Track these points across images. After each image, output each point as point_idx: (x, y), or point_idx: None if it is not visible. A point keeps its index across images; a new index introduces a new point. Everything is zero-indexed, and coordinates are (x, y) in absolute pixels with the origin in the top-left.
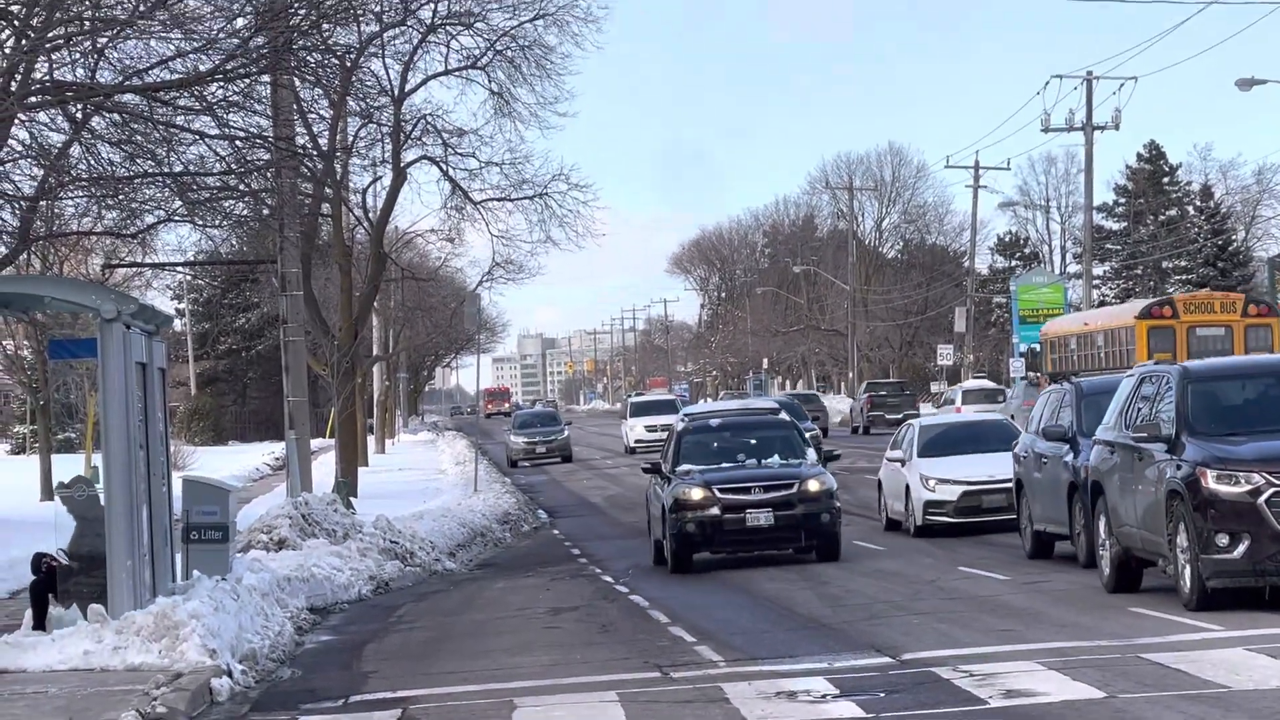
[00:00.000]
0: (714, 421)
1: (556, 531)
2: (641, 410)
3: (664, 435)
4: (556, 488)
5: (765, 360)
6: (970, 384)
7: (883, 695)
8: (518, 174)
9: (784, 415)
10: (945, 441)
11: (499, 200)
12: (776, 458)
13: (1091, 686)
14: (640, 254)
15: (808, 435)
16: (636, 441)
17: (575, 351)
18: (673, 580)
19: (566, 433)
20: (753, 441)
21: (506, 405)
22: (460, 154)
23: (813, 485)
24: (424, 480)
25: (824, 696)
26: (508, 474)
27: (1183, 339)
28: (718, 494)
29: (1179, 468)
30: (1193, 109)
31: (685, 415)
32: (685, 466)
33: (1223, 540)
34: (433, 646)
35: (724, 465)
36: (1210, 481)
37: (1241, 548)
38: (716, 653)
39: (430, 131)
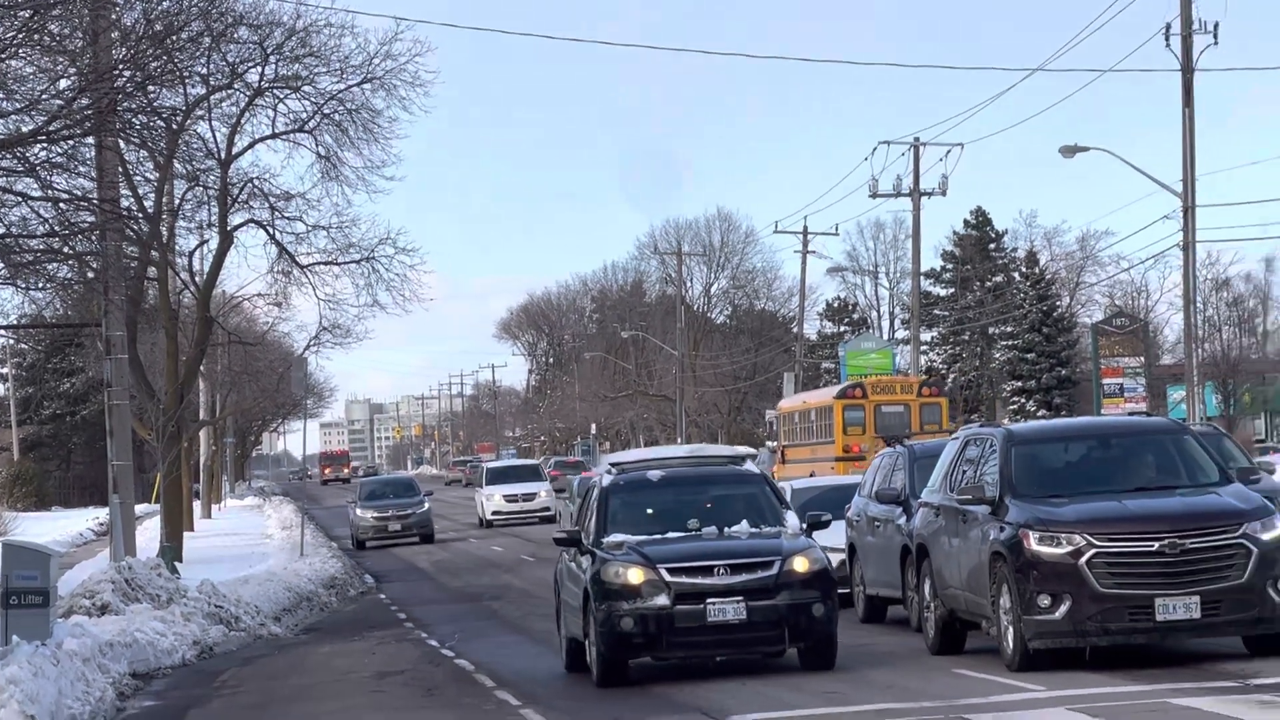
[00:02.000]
0: (654, 474)
1: (383, 596)
2: (500, 477)
3: (526, 506)
4: (384, 553)
5: (594, 425)
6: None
7: None
8: (345, 238)
9: (751, 466)
10: None
11: (326, 264)
12: (745, 524)
13: None
14: (471, 319)
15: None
16: (494, 514)
17: (403, 416)
18: (498, 644)
19: (427, 505)
20: (709, 503)
21: (346, 470)
22: (287, 217)
23: (800, 564)
24: (250, 545)
25: None
26: (335, 539)
27: (870, 415)
28: (666, 576)
29: (1002, 530)
30: (1018, 176)
31: (613, 465)
32: (616, 536)
33: (1045, 601)
34: (256, 712)
35: (672, 535)
36: (1033, 543)
37: (1063, 608)
38: (541, 715)
39: (257, 195)
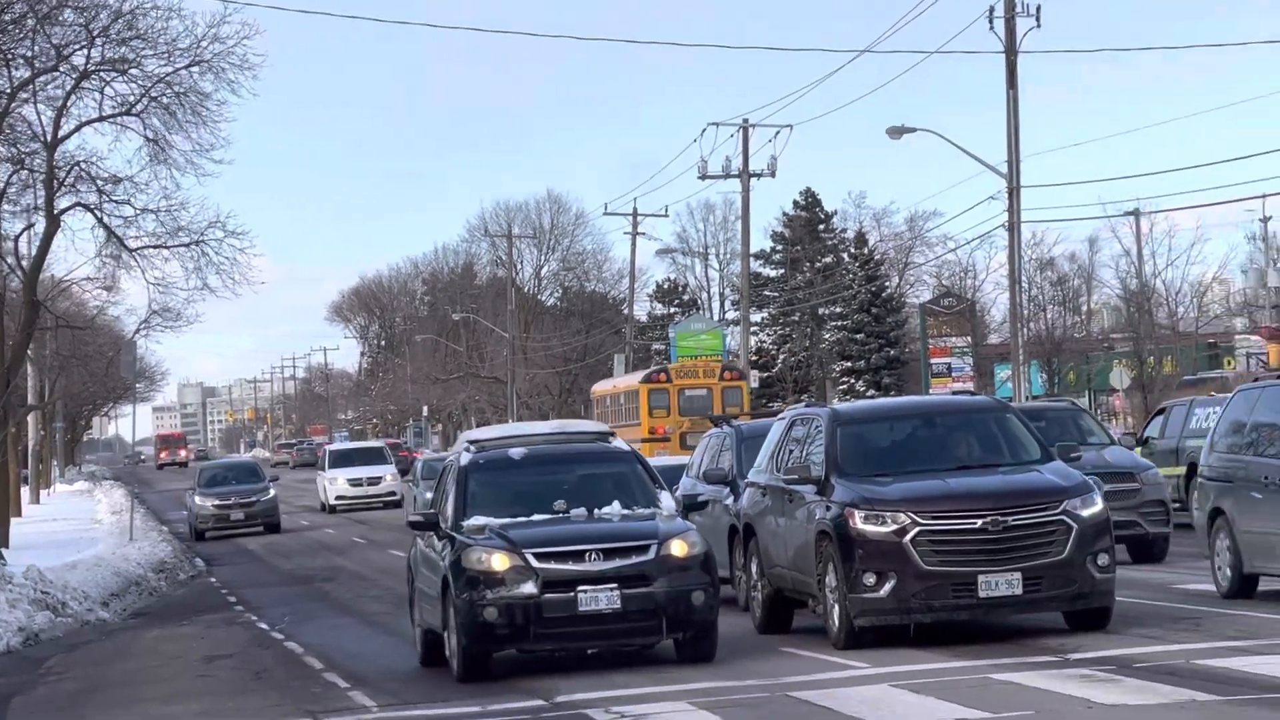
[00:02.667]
0: (516, 452)
1: (214, 580)
2: (343, 460)
3: (371, 491)
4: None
5: (425, 408)
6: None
7: None
8: (174, 221)
9: (620, 442)
10: None
11: (155, 248)
12: (617, 505)
13: None
14: (303, 302)
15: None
16: (337, 499)
17: (236, 400)
18: (328, 626)
19: (273, 492)
20: (577, 482)
21: (184, 454)
22: (115, 201)
23: (678, 548)
24: (79, 530)
25: None
26: (166, 523)
27: (674, 398)
28: (533, 562)
29: (828, 509)
30: (847, 157)
31: (471, 442)
32: (478, 519)
33: (870, 579)
34: (82, 697)
35: (538, 518)
36: (858, 522)
37: (888, 586)
38: (370, 698)
39: (85, 178)
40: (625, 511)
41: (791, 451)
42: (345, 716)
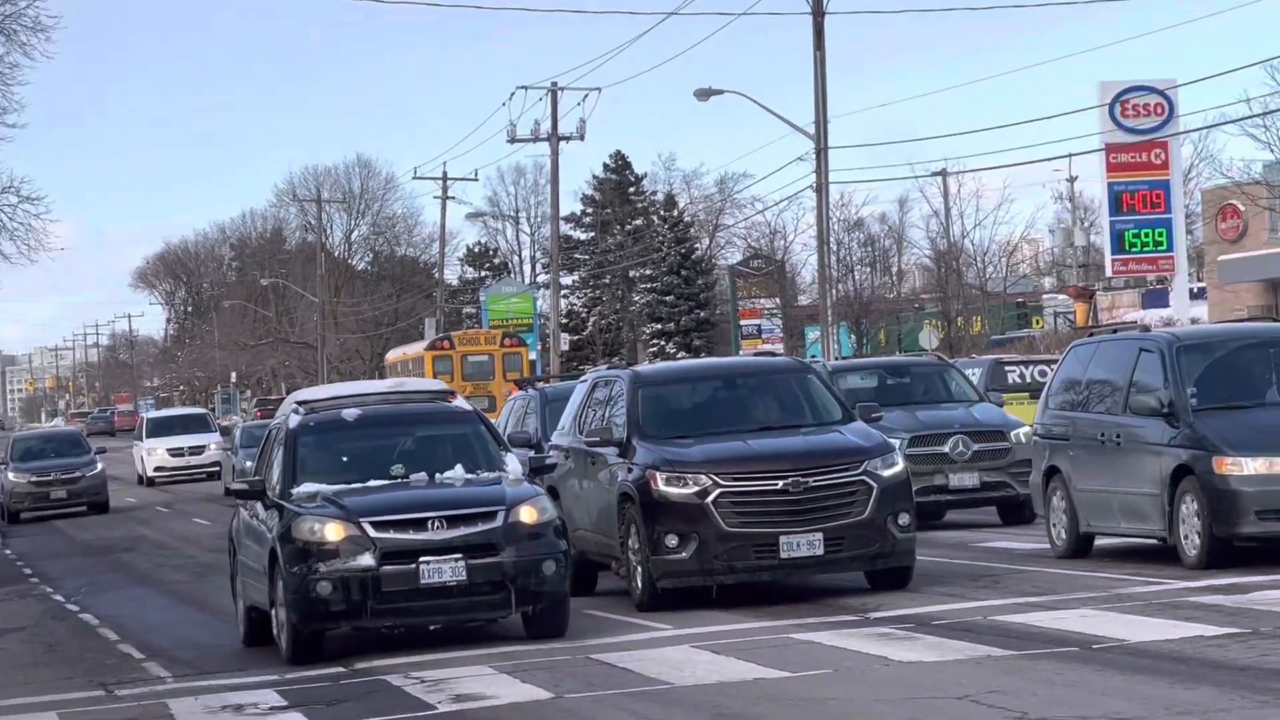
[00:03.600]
0: (349, 413)
1: (8, 551)
2: (162, 429)
3: (194, 461)
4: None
5: (234, 374)
6: None
7: (330, 705)
8: None
9: (461, 402)
10: None
11: None
12: (460, 469)
13: (540, 688)
14: (107, 269)
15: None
16: (156, 470)
17: (36, 369)
18: (126, 598)
19: (100, 466)
20: (415, 445)
21: None
22: None
23: (527, 515)
24: None
25: (271, 709)
26: None
27: (458, 364)
28: (371, 532)
29: (630, 471)
30: (657, 120)
31: (300, 403)
32: (309, 487)
33: (672, 541)
34: None
35: (374, 484)
36: (660, 484)
37: (690, 548)
38: (165, 669)
39: None
40: (469, 476)
41: (594, 413)
42: (140, 687)
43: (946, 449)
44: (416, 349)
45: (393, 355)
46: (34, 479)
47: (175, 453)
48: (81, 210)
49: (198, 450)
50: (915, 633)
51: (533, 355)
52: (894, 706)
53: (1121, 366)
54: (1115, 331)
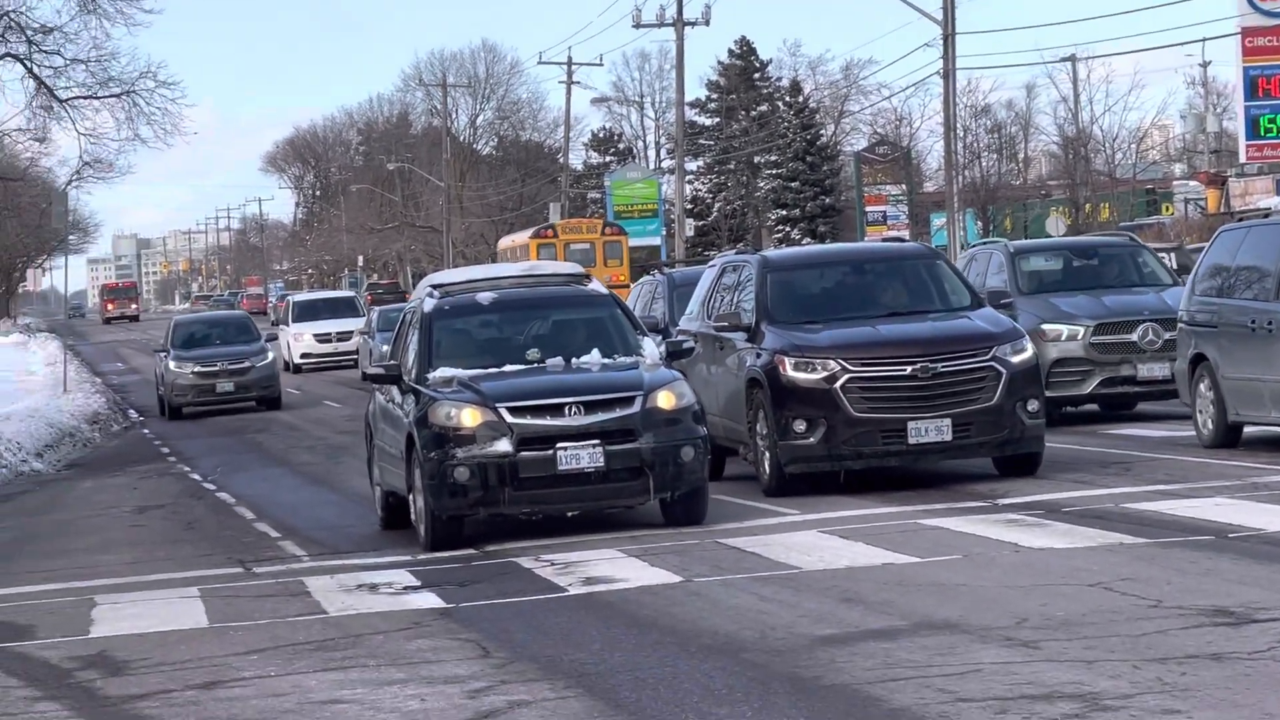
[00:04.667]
0: (484, 296)
1: (147, 431)
2: (309, 313)
3: (342, 347)
4: (148, 387)
5: (361, 258)
6: None
7: (462, 586)
8: (104, 72)
9: (597, 285)
10: None
11: (85, 99)
12: (596, 354)
13: (670, 572)
14: (239, 153)
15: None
16: (303, 356)
17: (171, 252)
18: (260, 478)
19: (271, 355)
20: (551, 329)
21: (134, 307)
22: (45, 51)
23: (664, 400)
24: (13, 382)
25: (405, 589)
26: (101, 374)
27: (561, 251)
28: (507, 418)
29: (758, 356)
30: (782, 5)
31: (434, 286)
32: (444, 371)
33: (800, 426)
34: (14, 547)
35: (510, 369)
36: (788, 369)
37: (818, 433)
38: (300, 548)
39: (14, 28)
40: (605, 361)
41: (722, 299)
42: (276, 565)
43: (1135, 337)
44: (523, 237)
45: (504, 243)
46: (198, 369)
47: (322, 338)
48: (215, 96)
49: (345, 336)
50: (1045, 519)
51: (657, 241)
52: (1025, 593)
53: (1273, 252)
54: (1266, 216)
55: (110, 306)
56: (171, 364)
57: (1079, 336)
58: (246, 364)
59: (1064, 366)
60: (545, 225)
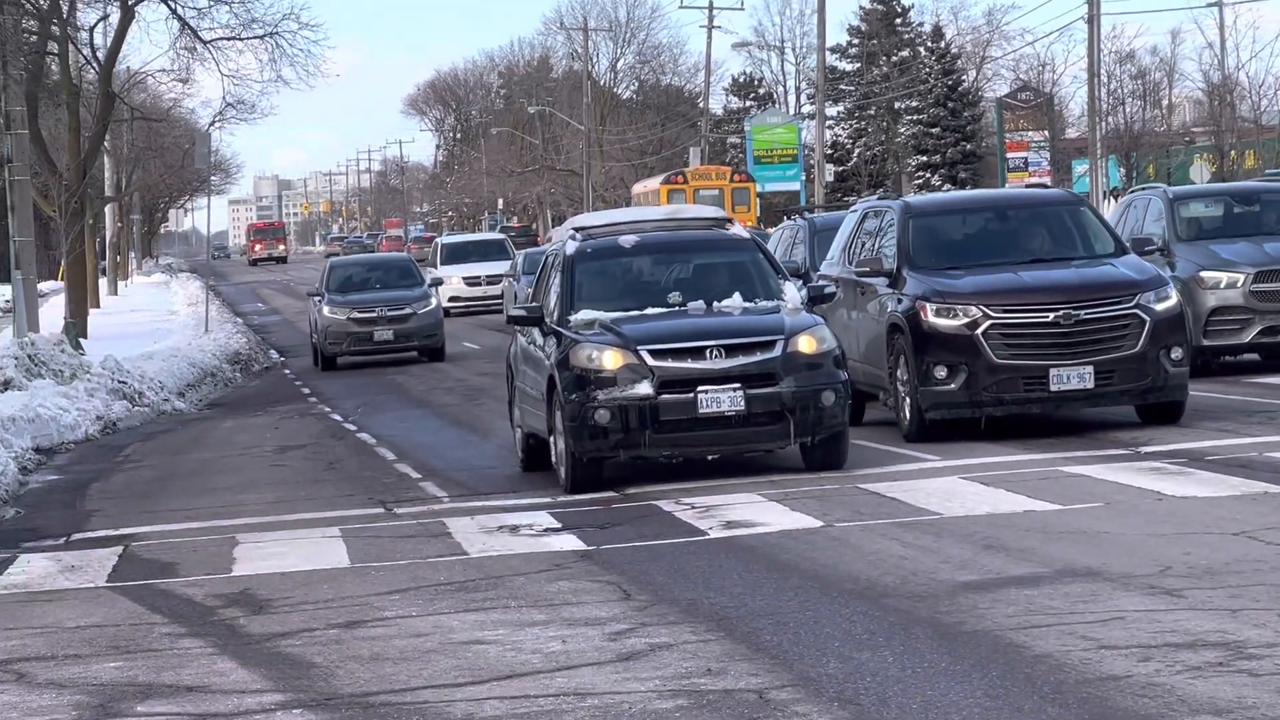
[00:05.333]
0: (627, 239)
1: (287, 371)
2: (458, 255)
3: (491, 291)
4: (289, 328)
5: (500, 201)
6: None
7: (602, 528)
8: (248, 13)
9: (739, 229)
10: None
11: (229, 40)
12: (738, 298)
13: (810, 516)
14: (380, 96)
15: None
16: (451, 300)
17: (311, 193)
18: (399, 419)
19: (434, 301)
20: (693, 272)
21: (282, 248)
22: None
23: (805, 344)
24: (156, 321)
25: (545, 530)
26: (241, 315)
27: (690, 197)
28: (649, 360)
29: (900, 301)
30: None
31: (576, 229)
32: (586, 314)
33: (941, 373)
34: (158, 485)
35: (652, 312)
36: (930, 315)
37: (960, 379)
38: (441, 489)
39: None
40: (747, 305)
41: (863, 244)
42: (417, 505)
43: None
44: (654, 182)
45: (637, 188)
46: (355, 315)
47: (471, 281)
48: (357, 38)
49: (495, 279)
50: (1187, 467)
51: (796, 186)
52: (1168, 541)
53: None
54: None
55: (257, 247)
56: (326, 309)
57: (1238, 284)
58: (407, 310)
59: (1222, 315)
60: (675, 171)
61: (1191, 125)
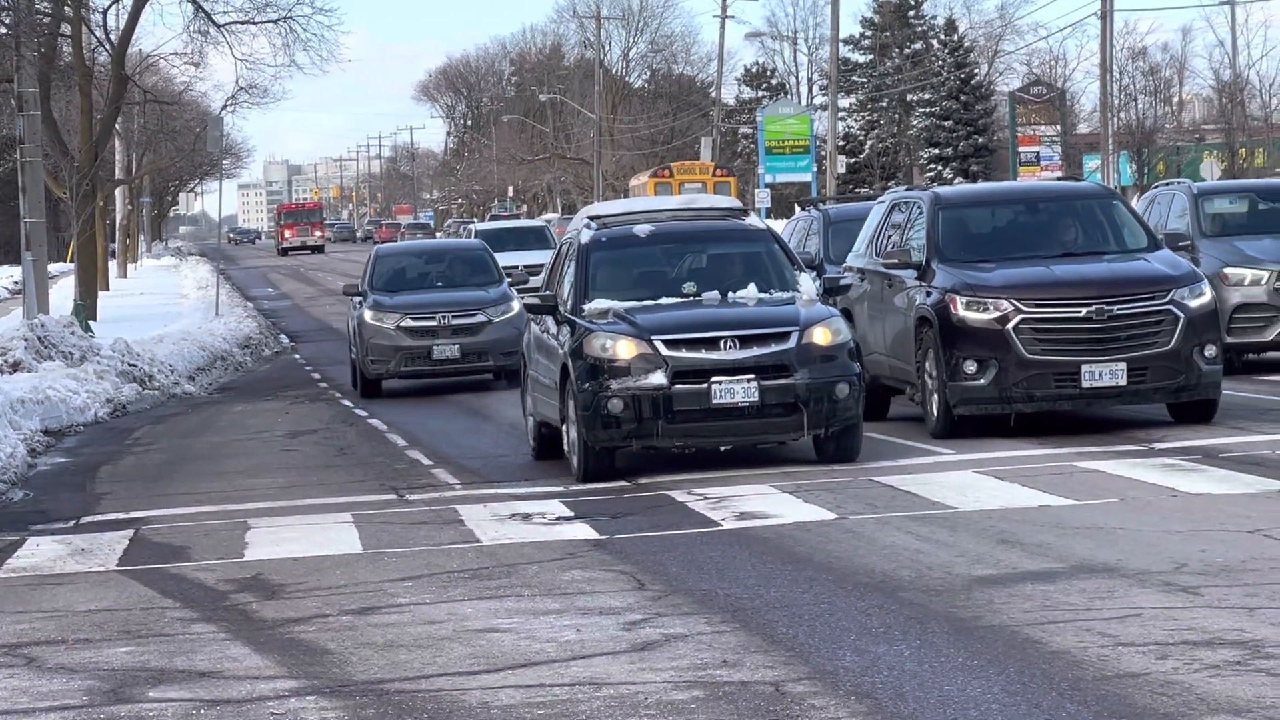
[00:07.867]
0: (642, 229)
1: (298, 356)
2: (494, 243)
3: (535, 282)
4: (299, 313)
5: (511, 188)
6: None
7: (615, 518)
8: None
9: (755, 219)
10: None
11: (242, 23)
12: (753, 289)
13: (824, 508)
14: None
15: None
16: None
17: (320, 178)
18: (411, 405)
19: (516, 306)
20: (708, 263)
21: (319, 235)
22: None
23: (820, 336)
24: (165, 304)
25: (558, 519)
26: (251, 299)
27: (676, 190)
28: (662, 350)
29: (928, 294)
30: None
31: (591, 218)
32: (600, 303)
33: (971, 367)
34: (168, 469)
35: (666, 302)
36: (959, 308)
37: (989, 375)
38: (453, 476)
39: None
40: (762, 295)
41: (891, 236)
42: (429, 493)
43: None
44: (644, 178)
45: (633, 181)
46: (410, 324)
47: (509, 271)
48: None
49: (535, 270)
50: (1201, 464)
51: (808, 177)
52: (1182, 538)
53: None
54: None
55: (287, 234)
56: (368, 314)
57: (1263, 281)
58: (480, 317)
59: (1246, 312)
60: (661, 166)
61: (1202, 123)
